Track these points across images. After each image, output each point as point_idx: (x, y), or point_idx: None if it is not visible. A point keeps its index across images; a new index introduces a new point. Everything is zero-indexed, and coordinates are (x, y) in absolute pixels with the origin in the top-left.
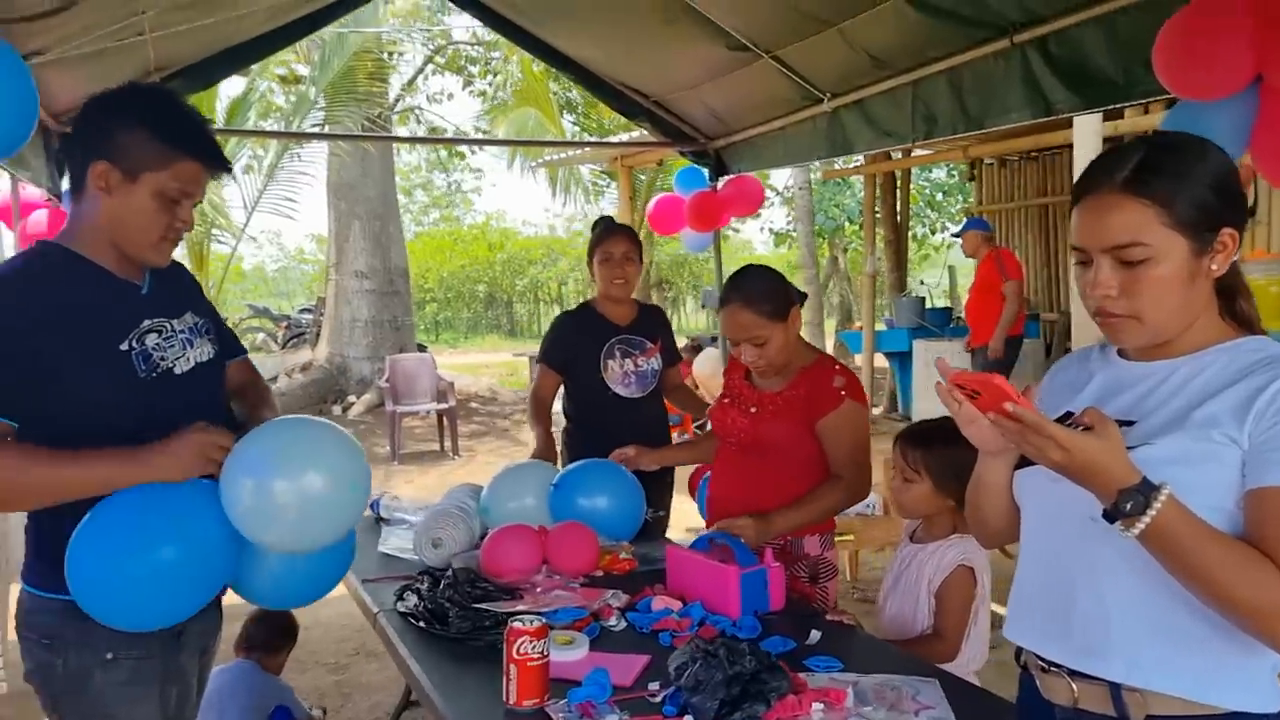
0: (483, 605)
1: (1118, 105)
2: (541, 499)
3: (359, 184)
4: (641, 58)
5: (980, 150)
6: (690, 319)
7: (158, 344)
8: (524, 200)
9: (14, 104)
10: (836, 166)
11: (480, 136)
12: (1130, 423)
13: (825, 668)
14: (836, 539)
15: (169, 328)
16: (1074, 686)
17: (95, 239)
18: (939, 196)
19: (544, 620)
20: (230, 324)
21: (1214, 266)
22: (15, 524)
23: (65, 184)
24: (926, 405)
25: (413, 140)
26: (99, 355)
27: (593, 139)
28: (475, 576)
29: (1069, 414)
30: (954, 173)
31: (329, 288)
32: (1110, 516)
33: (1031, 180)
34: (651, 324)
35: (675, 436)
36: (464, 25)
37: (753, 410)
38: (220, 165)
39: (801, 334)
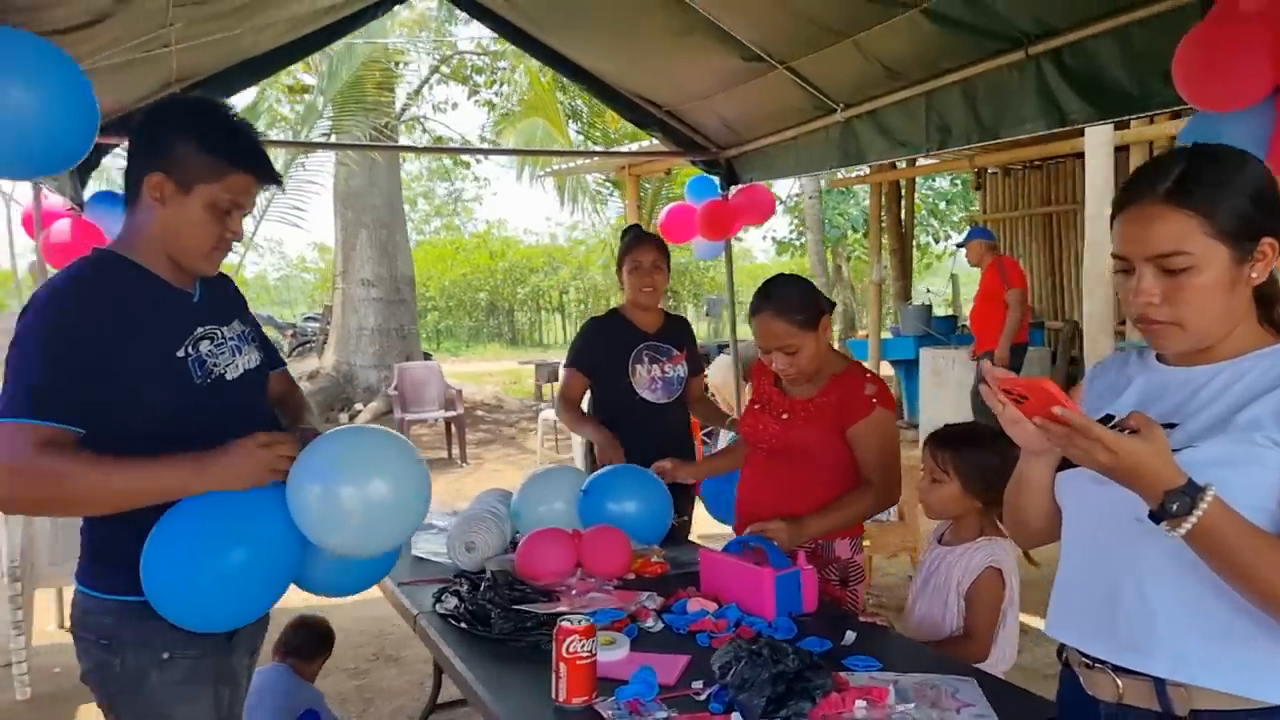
0: (522, 607)
1: (1133, 116)
2: (570, 504)
3: (366, 193)
4: (655, 68)
5: (986, 159)
6: (693, 327)
7: (210, 351)
8: (525, 208)
9: (80, 119)
10: (840, 175)
11: (488, 146)
12: (1172, 425)
13: (864, 667)
14: None
15: (220, 335)
16: (1119, 682)
17: (150, 248)
18: (942, 205)
19: (591, 620)
20: None
21: (1254, 275)
22: (40, 529)
23: (87, 193)
24: (933, 413)
25: (427, 150)
26: (159, 362)
27: (598, 147)
28: (513, 579)
29: (1109, 417)
30: (956, 181)
31: (335, 296)
32: (1156, 517)
33: (1036, 189)
34: (678, 333)
35: None
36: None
37: (784, 416)
38: (271, 178)
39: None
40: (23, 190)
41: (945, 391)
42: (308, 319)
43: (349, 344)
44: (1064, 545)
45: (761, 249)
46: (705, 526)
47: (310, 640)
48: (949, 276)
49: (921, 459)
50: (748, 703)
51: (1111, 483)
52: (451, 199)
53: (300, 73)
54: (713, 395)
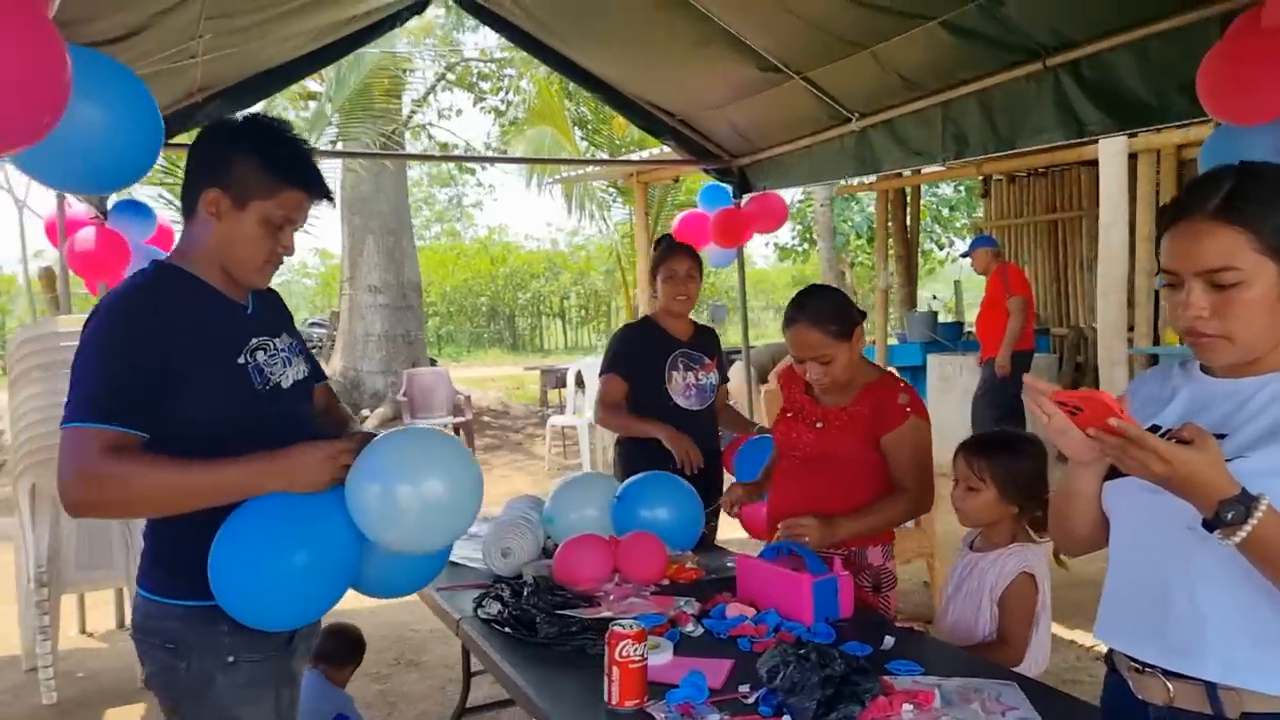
0: (565, 611)
1: (1151, 127)
2: (603, 510)
3: (372, 199)
4: (668, 77)
5: (993, 165)
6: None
7: (265, 360)
8: (526, 214)
9: (145, 135)
10: (843, 183)
11: (495, 153)
12: (1221, 436)
13: (906, 671)
14: None
15: (272, 346)
16: (1169, 686)
17: (206, 261)
18: (945, 212)
19: (641, 625)
20: None
21: None
22: (66, 536)
23: (110, 202)
24: (940, 418)
25: (437, 158)
26: (222, 368)
27: (603, 154)
28: (553, 584)
29: (1156, 427)
30: (960, 188)
31: (342, 302)
32: (1210, 526)
33: (1041, 196)
34: (708, 341)
35: None
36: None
37: (818, 425)
38: (322, 193)
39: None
40: (36, 197)
41: (952, 398)
42: (313, 324)
43: (356, 350)
44: (1113, 552)
45: (762, 255)
46: (728, 531)
47: (341, 647)
48: (952, 283)
49: (954, 468)
50: (798, 705)
51: (1162, 491)
52: (453, 205)
53: (307, 80)
54: (734, 402)
